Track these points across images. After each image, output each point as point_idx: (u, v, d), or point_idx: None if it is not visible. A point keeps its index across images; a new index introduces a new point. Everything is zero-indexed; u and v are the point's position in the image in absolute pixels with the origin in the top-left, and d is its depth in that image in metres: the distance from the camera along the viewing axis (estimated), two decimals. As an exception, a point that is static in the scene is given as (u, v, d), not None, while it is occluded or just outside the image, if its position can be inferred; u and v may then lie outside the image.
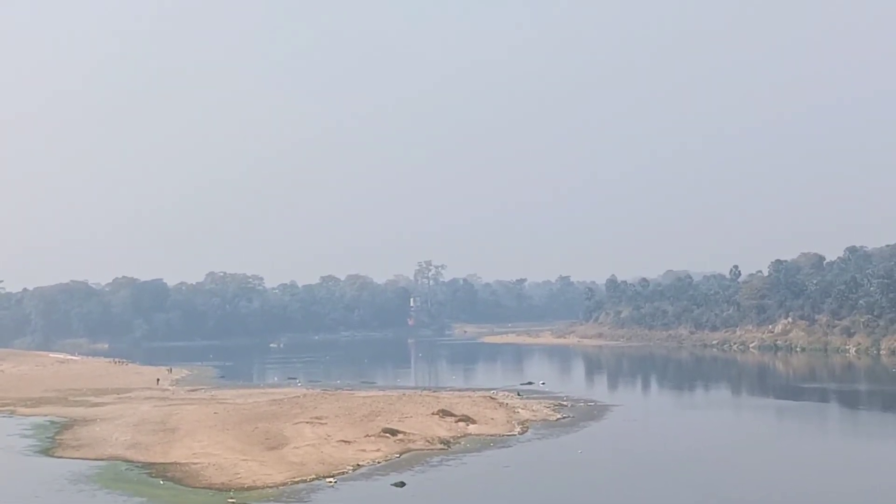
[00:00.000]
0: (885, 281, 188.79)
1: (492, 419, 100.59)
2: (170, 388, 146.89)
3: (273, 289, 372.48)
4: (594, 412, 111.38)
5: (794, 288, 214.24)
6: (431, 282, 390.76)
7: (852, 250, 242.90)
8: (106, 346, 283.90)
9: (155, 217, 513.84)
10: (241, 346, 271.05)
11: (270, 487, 67.93)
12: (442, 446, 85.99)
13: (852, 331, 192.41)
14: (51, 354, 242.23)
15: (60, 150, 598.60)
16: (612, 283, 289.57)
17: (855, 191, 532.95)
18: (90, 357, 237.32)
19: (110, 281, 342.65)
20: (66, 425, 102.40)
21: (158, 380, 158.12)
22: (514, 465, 79.08)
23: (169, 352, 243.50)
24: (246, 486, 68.09)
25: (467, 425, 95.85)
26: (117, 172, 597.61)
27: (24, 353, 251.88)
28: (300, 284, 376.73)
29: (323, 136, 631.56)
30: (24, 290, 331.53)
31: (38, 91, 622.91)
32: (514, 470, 77.32)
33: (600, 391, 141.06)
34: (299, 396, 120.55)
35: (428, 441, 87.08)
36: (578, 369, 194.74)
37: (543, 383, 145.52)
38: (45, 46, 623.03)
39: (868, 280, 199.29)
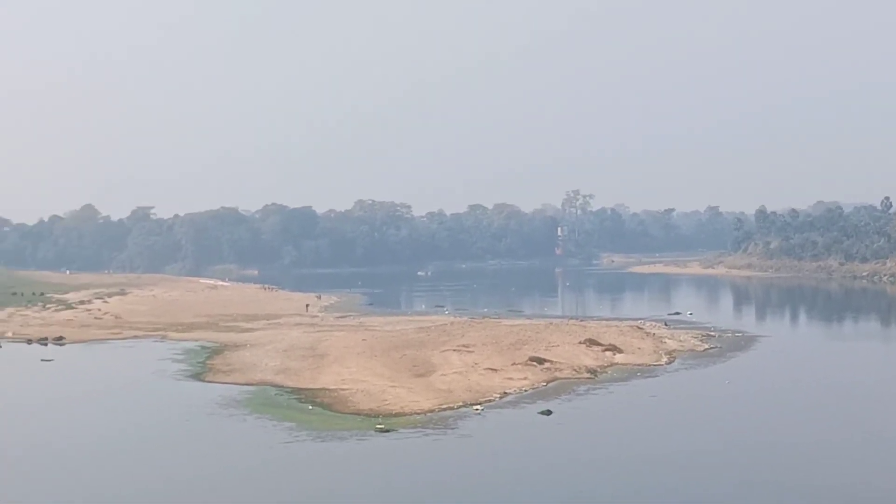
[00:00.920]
0: None
1: (639, 349, 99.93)
2: (319, 314, 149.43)
3: (421, 217, 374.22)
4: (742, 343, 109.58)
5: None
6: (579, 211, 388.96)
7: None
8: (255, 272, 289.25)
9: (304, 145, 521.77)
10: (388, 274, 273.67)
11: (418, 414, 68.63)
12: (589, 375, 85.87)
13: None
14: (201, 280, 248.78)
15: (210, 74, 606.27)
16: (762, 214, 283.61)
17: None
18: (240, 283, 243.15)
19: (260, 208, 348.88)
20: (217, 350, 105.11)
21: (308, 306, 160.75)
22: (660, 394, 78.62)
23: (318, 279, 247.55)
24: (394, 412, 68.89)
25: (614, 354, 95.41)
26: (267, 99, 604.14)
27: (175, 278, 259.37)
28: (448, 213, 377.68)
29: (475, 66, 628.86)
30: (176, 216, 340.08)
31: (189, 9, 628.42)
32: (661, 399, 76.89)
33: (748, 322, 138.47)
34: (446, 324, 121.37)
35: (574, 370, 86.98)
36: (726, 300, 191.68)
37: (691, 314, 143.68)
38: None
39: None
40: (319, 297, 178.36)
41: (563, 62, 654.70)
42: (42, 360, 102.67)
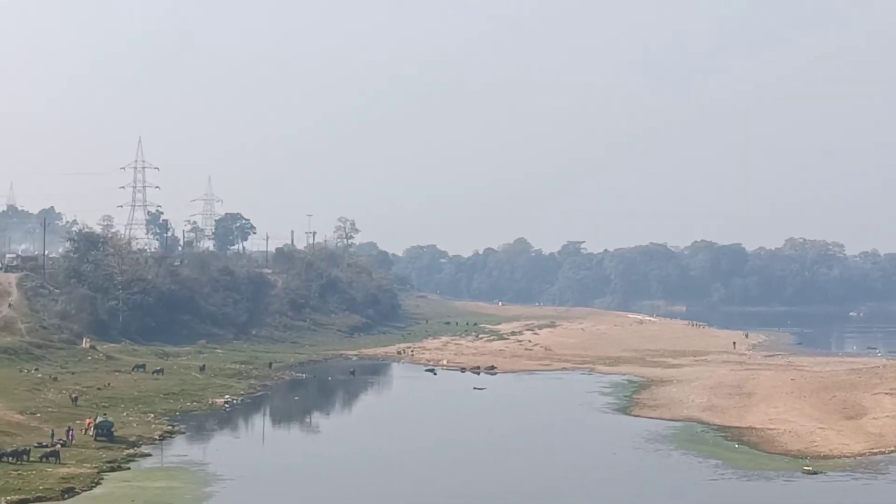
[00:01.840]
0: None
1: None
2: (746, 352, 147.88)
3: (854, 256, 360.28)
4: None
5: None
6: None
7: None
8: (683, 308, 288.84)
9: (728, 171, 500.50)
10: (818, 314, 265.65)
11: (847, 457, 67.18)
12: None
13: None
14: (629, 315, 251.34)
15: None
16: None
17: None
18: (667, 318, 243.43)
19: (689, 244, 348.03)
20: (643, 385, 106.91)
21: (735, 343, 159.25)
22: None
23: (745, 316, 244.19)
24: (822, 454, 67.77)
25: None
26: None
27: (603, 312, 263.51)
28: (882, 252, 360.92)
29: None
30: (605, 250, 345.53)
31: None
32: None
33: None
34: (879, 367, 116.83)
35: None
36: None
37: None
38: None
39: None
40: (747, 336, 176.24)
41: None
42: (475, 388, 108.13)
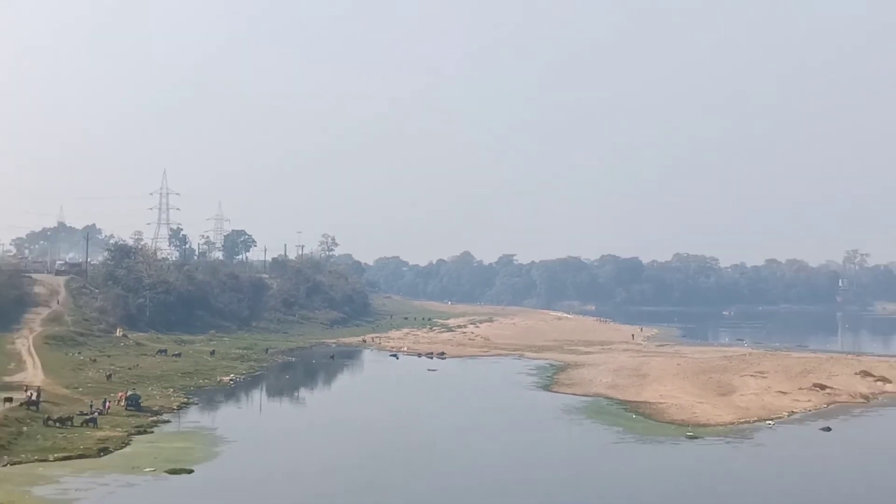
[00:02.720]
0: None
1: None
2: (642, 343, 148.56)
3: (726, 267, 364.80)
4: None
5: None
6: (857, 267, 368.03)
7: None
8: (593, 307, 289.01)
9: (629, 199, 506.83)
10: (698, 313, 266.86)
11: (720, 425, 68.02)
12: (862, 400, 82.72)
13: None
14: (551, 312, 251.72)
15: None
16: None
17: None
18: (580, 315, 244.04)
19: (598, 257, 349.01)
20: (561, 368, 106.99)
21: (633, 336, 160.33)
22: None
23: (641, 314, 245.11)
24: (701, 423, 68.57)
25: (884, 384, 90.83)
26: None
27: (530, 310, 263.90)
28: (748, 265, 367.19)
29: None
30: (532, 262, 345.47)
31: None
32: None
33: None
34: (745, 354, 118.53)
35: (850, 395, 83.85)
36: None
37: None
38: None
39: None
40: (642, 329, 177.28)
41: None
42: (428, 369, 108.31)
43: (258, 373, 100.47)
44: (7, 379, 76.61)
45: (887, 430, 70.41)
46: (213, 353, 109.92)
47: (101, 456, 54.60)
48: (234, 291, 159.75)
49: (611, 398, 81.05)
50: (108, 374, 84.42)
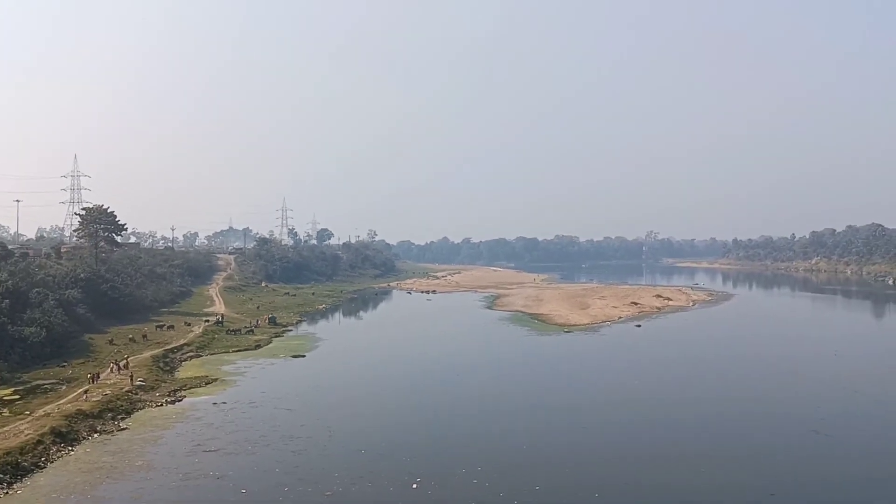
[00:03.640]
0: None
1: (680, 299, 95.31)
2: (539, 283, 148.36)
3: (583, 241, 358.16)
4: (727, 296, 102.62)
5: None
6: (653, 240, 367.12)
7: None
8: (513, 265, 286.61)
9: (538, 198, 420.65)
10: (569, 266, 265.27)
11: (581, 325, 68.22)
12: (657, 310, 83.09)
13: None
14: (491, 269, 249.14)
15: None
16: (737, 242, 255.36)
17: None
18: (506, 269, 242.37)
19: (515, 237, 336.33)
20: (496, 297, 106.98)
21: (534, 279, 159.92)
22: (692, 318, 75.01)
23: (539, 268, 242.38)
24: (571, 324, 68.77)
25: (669, 301, 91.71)
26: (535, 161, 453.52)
27: (480, 268, 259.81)
28: (595, 240, 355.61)
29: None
30: (481, 241, 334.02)
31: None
32: (691, 319, 73.63)
33: (729, 287, 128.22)
34: (594, 287, 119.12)
35: (650, 308, 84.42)
36: (718, 279, 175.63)
37: (698, 284, 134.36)
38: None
39: None
40: (539, 276, 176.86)
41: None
42: (427, 299, 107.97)
43: (338, 304, 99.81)
44: (206, 310, 76.60)
45: (668, 324, 70.93)
46: (313, 293, 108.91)
47: (256, 349, 54.62)
48: (322, 261, 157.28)
49: (523, 312, 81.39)
50: (257, 306, 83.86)
